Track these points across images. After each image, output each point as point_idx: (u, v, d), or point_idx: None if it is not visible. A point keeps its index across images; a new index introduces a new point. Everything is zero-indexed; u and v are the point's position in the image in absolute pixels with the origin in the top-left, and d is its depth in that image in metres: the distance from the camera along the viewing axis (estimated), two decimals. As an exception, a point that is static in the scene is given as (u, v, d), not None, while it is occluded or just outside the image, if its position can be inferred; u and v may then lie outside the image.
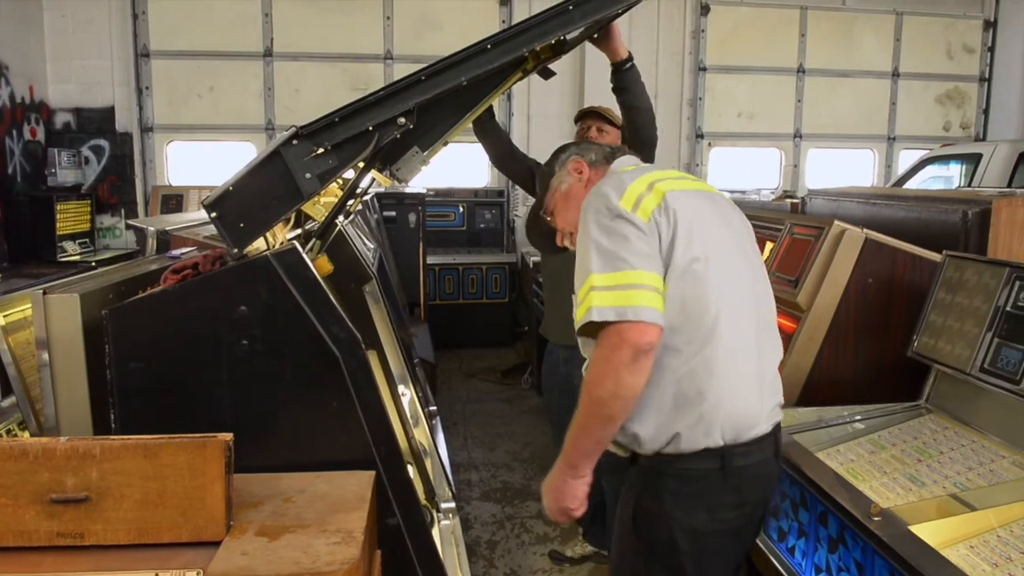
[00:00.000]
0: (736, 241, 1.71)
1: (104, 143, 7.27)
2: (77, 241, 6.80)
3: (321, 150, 1.50)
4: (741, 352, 1.63)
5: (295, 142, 1.50)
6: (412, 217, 6.22)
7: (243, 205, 1.47)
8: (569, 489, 1.63)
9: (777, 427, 1.73)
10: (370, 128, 1.53)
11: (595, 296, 1.51)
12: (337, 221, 2.01)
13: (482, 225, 7.68)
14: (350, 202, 2.25)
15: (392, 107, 1.55)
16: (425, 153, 1.71)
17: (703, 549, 1.65)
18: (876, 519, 1.65)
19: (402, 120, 1.56)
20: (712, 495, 1.63)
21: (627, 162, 1.89)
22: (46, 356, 1.43)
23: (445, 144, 1.81)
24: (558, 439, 3.05)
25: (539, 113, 7.80)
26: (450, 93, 1.60)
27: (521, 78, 1.92)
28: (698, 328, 1.57)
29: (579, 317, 1.54)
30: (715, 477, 1.62)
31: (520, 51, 1.62)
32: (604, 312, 1.49)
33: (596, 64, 7.51)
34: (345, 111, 1.53)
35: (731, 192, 8.33)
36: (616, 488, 2.35)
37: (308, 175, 1.51)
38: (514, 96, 7.76)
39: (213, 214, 1.45)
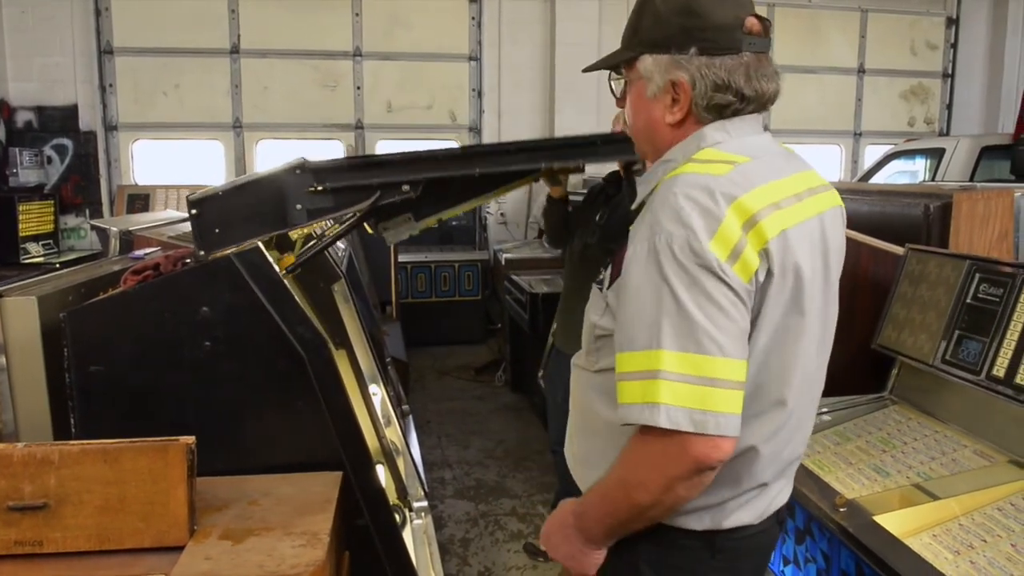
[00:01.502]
0: (822, 305, 1.30)
1: (67, 142, 7.13)
2: (40, 242, 6.66)
3: (320, 188, 1.50)
4: (790, 440, 1.34)
5: (298, 171, 1.50)
6: (383, 215, 6.17)
7: (226, 213, 1.46)
8: (589, 559, 1.34)
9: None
10: (374, 184, 1.53)
11: (665, 388, 1.11)
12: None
13: (454, 222, 7.66)
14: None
15: (402, 172, 1.55)
16: (418, 223, 1.70)
17: None
18: (842, 510, 1.68)
19: (407, 188, 1.56)
20: (700, 574, 1.34)
21: (736, 131, 1.27)
22: (3, 360, 1.40)
23: (439, 221, 1.81)
24: (558, 442, 3.03)
25: (510, 110, 7.80)
26: (460, 178, 1.60)
27: (529, 182, 1.91)
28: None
29: (628, 401, 1.15)
30: (703, 556, 1.32)
31: (539, 164, 1.62)
32: (676, 418, 1.10)
33: (567, 59, 7.54)
34: (356, 161, 1.54)
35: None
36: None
37: (299, 206, 1.50)
38: (485, 94, 7.75)
39: (193, 211, 1.44)
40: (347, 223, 1.72)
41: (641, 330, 1.15)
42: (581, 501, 1.34)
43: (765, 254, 1.15)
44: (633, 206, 1.36)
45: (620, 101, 1.42)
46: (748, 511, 1.31)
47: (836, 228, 1.34)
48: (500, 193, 1.75)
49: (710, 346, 1.11)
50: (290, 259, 1.69)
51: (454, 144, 7.92)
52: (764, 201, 1.17)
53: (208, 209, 1.44)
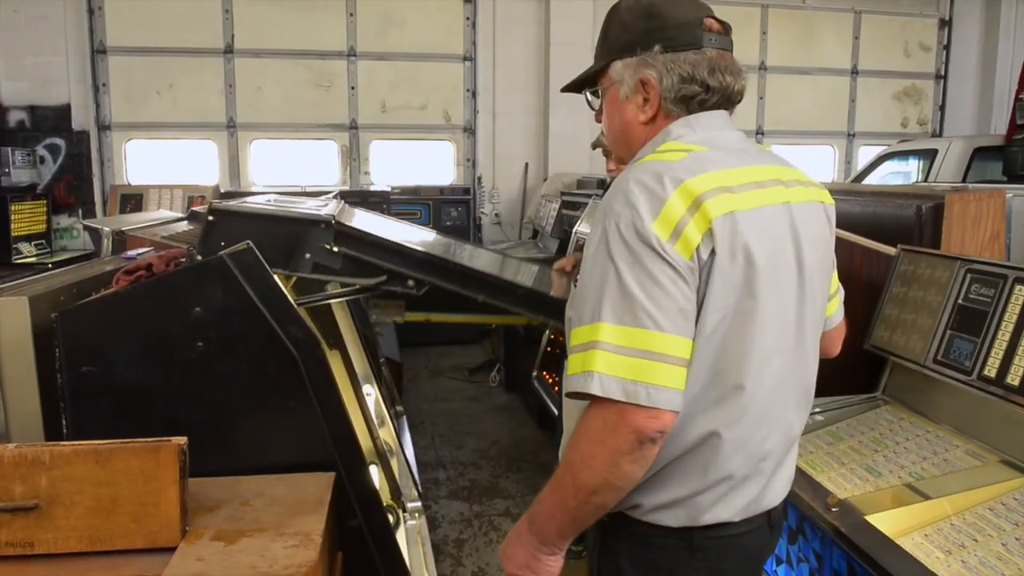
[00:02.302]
0: (795, 295, 1.31)
1: (60, 142, 7.11)
2: (33, 242, 6.64)
3: (335, 249, 1.50)
4: (766, 427, 1.33)
5: (323, 226, 1.51)
6: (377, 215, 6.17)
7: (240, 231, 1.46)
8: (543, 567, 1.31)
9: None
10: (384, 268, 1.54)
11: (600, 358, 1.14)
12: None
13: (448, 223, 7.66)
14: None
15: (415, 269, 1.58)
16: (405, 315, 1.71)
17: None
18: (834, 510, 1.68)
19: (411, 283, 1.58)
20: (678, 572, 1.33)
21: (699, 126, 1.33)
22: (-6, 361, 1.39)
23: (426, 320, 1.82)
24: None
25: (504, 111, 7.81)
26: (462, 295, 1.62)
27: (523, 322, 1.92)
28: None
29: (571, 372, 1.18)
30: (682, 557, 1.32)
31: (539, 314, 1.65)
32: (609, 386, 1.13)
33: (561, 60, 7.54)
34: (381, 240, 1.55)
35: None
36: None
37: (308, 256, 1.51)
38: (479, 94, 7.75)
39: (211, 217, 1.45)
40: (346, 291, 1.72)
41: (588, 305, 1.19)
42: (533, 503, 1.33)
43: (710, 233, 1.18)
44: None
45: (598, 115, 1.48)
46: (724, 507, 1.30)
47: (812, 221, 1.35)
48: (490, 320, 1.78)
49: (647, 320, 1.14)
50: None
51: (450, 145, 7.94)
52: (713, 184, 1.20)
53: (225, 222, 1.45)
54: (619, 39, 1.36)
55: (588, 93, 1.47)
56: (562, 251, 4.95)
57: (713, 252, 1.18)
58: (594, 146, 1.62)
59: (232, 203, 1.48)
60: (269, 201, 1.80)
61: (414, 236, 1.89)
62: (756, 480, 1.34)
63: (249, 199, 1.67)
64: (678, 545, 1.31)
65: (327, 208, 1.63)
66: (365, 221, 1.83)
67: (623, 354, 1.14)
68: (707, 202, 1.18)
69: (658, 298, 1.16)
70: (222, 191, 6.71)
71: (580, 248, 2.68)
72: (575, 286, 1.33)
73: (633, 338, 1.15)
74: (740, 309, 1.22)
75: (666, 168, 1.21)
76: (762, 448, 1.32)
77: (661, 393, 1.14)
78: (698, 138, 1.30)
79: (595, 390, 1.14)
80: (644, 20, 1.33)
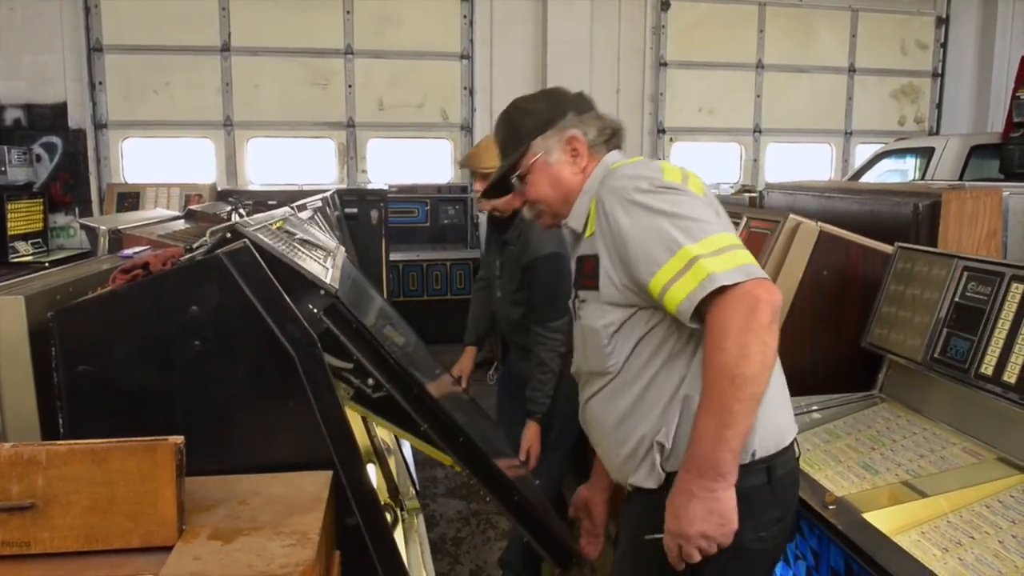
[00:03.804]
0: None
1: (56, 140, 7.09)
2: (29, 241, 6.62)
3: (321, 317, 1.46)
4: None
5: (323, 292, 1.48)
6: (374, 214, 6.17)
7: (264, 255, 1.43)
8: (731, 506, 1.37)
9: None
10: (355, 357, 1.51)
11: (706, 264, 1.32)
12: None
13: (446, 221, 7.66)
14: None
15: (383, 373, 1.55)
16: (349, 403, 1.64)
17: (745, 569, 1.51)
18: (831, 507, 1.68)
19: (371, 383, 1.54)
20: (760, 512, 1.47)
21: (623, 154, 1.68)
22: (-10, 360, 1.39)
23: (364, 416, 1.79)
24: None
25: (501, 108, 7.78)
26: (408, 415, 1.60)
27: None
28: None
29: (687, 292, 1.33)
30: (763, 492, 1.46)
31: (468, 471, 1.67)
32: (731, 275, 1.31)
33: (559, 58, 7.54)
34: (366, 332, 1.52)
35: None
36: None
37: (313, 308, 1.46)
38: (476, 92, 7.75)
39: (234, 222, 1.44)
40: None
41: (660, 249, 1.38)
42: (689, 456, 1.39)
43: (703, 183, 1.51)
44: (582, 230, 1.58)
45: (516, 196, 1.73)
46: (777, 432, 1.51)
47: None
48: (424, 449, 1.71)
49: (709, 229, 1.38)
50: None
51: (447, 143, 7.93)
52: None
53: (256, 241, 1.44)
54: (529, 124, 1.63)
55: (515, 179, 1.66)
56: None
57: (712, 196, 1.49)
58: (533, 217, 1.71)
59: (251, 225, 1.47)
60: (284, 224, 1.79)
61: (406, 339, 1.91)
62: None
63: (264, 223, 1.65)
64: (761, 489, 1.46)
65: (332, 271, 1.62)
66: (364, 300, 1.84)
67: (717, 255, 1.33)
68: (690, 173, 1.51)
69: (700, 212, 1.41)
70: (219, 189, 6.70)
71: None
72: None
73: (711, 243, 1.35)
74: None
75: (639, 164, 1.53)
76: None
77: (756, 267, 1.35)
78: (629, 158, 1.62)
79: (723, 281, 1.31)
80: (547, 103, 1.65)
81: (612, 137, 1.65)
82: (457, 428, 1.65)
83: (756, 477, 1.45)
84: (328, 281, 1.52)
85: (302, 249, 1.67)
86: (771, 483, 1.47)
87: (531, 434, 2.76)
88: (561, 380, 2.71)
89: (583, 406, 1.65)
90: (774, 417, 1.49)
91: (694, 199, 1.43)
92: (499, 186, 1.72)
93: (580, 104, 1.65)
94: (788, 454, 1.53)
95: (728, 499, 1.36)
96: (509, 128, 1.68)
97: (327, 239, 2.20)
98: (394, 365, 1.57)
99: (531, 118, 1.64)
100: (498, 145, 1.73)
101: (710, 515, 1.36)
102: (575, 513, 1.89)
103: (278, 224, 1.75)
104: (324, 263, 1.70)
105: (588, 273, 1.52)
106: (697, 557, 1.39)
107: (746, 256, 1.36)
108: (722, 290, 1.31)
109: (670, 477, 1.46)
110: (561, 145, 1.61)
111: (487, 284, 3.18)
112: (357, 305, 1.59)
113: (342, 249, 2.07)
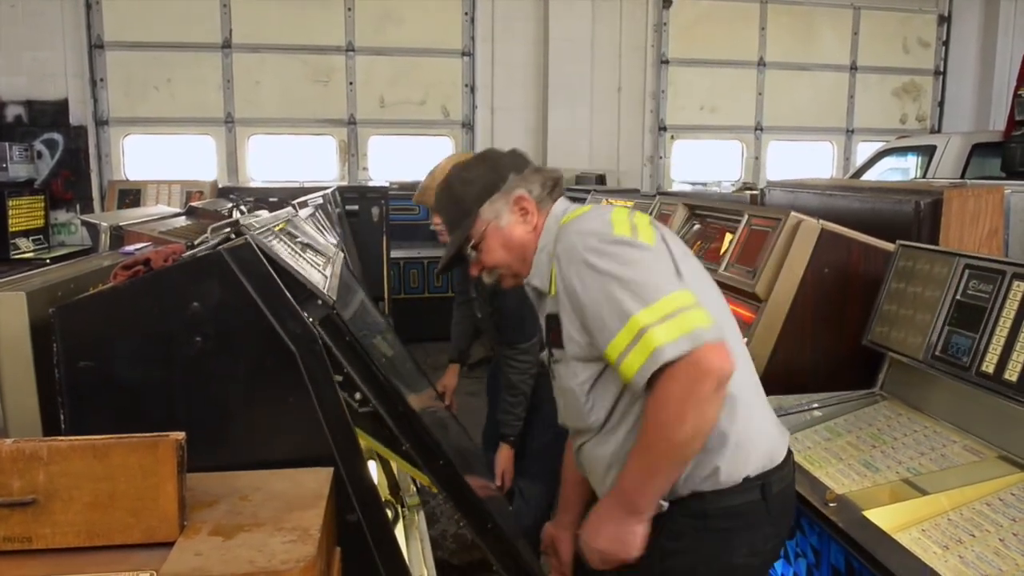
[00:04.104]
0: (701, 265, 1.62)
1: (58, 137, 7.10)
2: (30, 237, 6.63)
3: (316, 328, 1.45)
4: (749, 371, 1.56)
5: (320, 302, 1.49)
6: (375, 211, 6.17)
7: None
8: (636, 538, 1.45)
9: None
10: (346, 370, 1.52)
11: (654, 335, 1.32)
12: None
13: (446, 219, 7.65)
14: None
15: (371, 389, 1.56)
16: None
17: None
18: (832, 505, 1.68)
19: (359, 396, 1.56)
20: (756, 528, 1.51)
21: (568, 204, 1.67)
22: (-8, 356, 1.39)
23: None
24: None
25: (503, 106, 7.80)
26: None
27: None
28: None
29: (637, 367, 1.34)
30: (759, 510, 1.50)
31: (442, 492, 1.71)
32: (678, 345, 1.31)
33: (560, 56, 7.53)
34: (360, 348, 1.54)
35: (693, 184, 8.46)
36: None
37: (310, 318, 1.47)
38: (478, 90, 7.74)
39: (237, 218, 1.44)
40: None
41: (612, 319, 1.37)
42: (617, 483, 1.47)
43: (652, 224, 1.49)
44: (546, 289, 1.58)
45: (475, 265, 1.69)
46: (766, 449, 1.53)
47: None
48: (405, 468, 1.73)
49: (657, 293, 1.35)
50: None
51: (448, 140, 7.93)
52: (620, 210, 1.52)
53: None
54: (472, 193, 1.62)
55: (470, 250, 1.66)
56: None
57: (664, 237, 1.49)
58: (494, 282, 1.72)
59: (255, 228, 1.47)
60: (287, 227, 1.78)
61: (394, 351, 1.90)
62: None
63: (269, 223, 1.65)
64: (756, 507, 1.48)
65: (330, 280, 1.62)
66: (356, 309, 1.83)
67: (666, 321, 1.32)
68: (639, 220, 1.49)
69: (652, 269, 1.40)
70: (220, 186, 6.70)
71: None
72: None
73: (663, 307, 1.34)
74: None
75: (588, 216, 1.52)
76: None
77: (711, 330, 1.33)
78: (575, 209, 1.62)
79: (670, 355, 1.30)
80: (486, 168, 1.64)
81: (555, 188, 1.66)
82: (438, 450, 1.66)
83: (751, 494, 1.48)
84: (326, 291, 1.52)
85: (303, 255, 1.68)
86: (766, 500, 1.49)
87: (504, 458, 2.76)
88: (536, 410, 2.72)
89: (576, 451, 1.66)
90: (761, 437, 1.52)
91: (644, 252, 1.41)
92: (455, 260, 1.71)
93: (517, 162, 1.66)
94: (784, 471, 1.54)
95: (639, 532, 1.45)
96: (452, 201, 1.66)
97: (327, 243, 2.21)
98: (383, 382, 1.58)
99: (472, 187, 1.63)
100: (444, 222, 1.71)
101: (616, 540, 1.46)
102: (544, 550, 1.88)
103: (280, 226, 1.75)
104: (323, 270, 1.70)
105: (557, 332, 1.54)
106: (598, 565, 1.50)
107: (698, 318, 1.34)
108: (671, 361, 1.32)
109: (657, 519, 1.48)
110: (509, 207, 1.61)
111: (467, 299, 3.17)
112: (350, 315, 1.60)
113: (340, 255, 2.07)
